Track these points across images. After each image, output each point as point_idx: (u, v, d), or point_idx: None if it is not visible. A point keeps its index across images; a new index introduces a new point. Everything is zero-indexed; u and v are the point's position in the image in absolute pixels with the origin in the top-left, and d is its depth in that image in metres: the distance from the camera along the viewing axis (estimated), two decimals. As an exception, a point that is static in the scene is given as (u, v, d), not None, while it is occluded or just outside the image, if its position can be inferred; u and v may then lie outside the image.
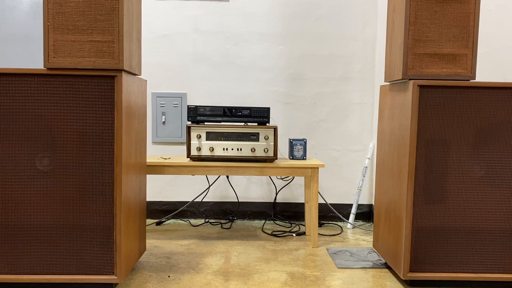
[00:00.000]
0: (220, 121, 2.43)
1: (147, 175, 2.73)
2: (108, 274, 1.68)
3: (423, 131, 1.72)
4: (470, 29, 1.69)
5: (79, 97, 1.64)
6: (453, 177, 1.74)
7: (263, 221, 2.88)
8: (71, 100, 1.64)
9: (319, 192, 2.46)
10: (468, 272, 1.77)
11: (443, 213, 1.75)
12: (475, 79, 1.73)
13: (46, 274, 1.67)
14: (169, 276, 1.91)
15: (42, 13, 1.60)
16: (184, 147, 2.87)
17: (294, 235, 2.60)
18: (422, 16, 1.70)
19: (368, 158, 2.88)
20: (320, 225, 2.83)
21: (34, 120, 1.64)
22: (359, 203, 2.89)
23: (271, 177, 2.89)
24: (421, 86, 1.70)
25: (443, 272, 1.77)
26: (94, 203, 1.67)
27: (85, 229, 1.67)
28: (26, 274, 1.67)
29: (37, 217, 1.66)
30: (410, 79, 1.72)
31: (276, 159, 2.40)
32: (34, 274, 1.67)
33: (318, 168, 2.36)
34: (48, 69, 1.63)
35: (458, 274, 1.76)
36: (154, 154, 2.88)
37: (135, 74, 1.85)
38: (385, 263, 2.10)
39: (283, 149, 2.81)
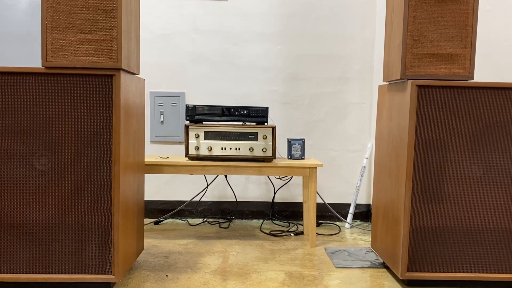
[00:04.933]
0: (218, 121, 2.43)
1: (145, 175, 2.73)
2: (106, 273, 1.68)
3: (421, 131, 1.72)
4: (468, 29, 1.70)
5: (77, 96, 1.64)
6: (451, 177, 1.75)
7: (261, 221, 2.88)
8: (69, 99, 1.64)
9: (317, 192, 2.46)
10: (466, 272, 1.77)
11: (441, 213, 1.76)
12: (473, 79, 1.73)
13: (44, 273, 1.67)
14: (167, 276, 1.91)
15: (40, 11, 1.59)
16: (182, 147, 2.87)
17: (292, 234, 2.60)
18: (420, 16, 1.70)
19: (366, 158, 2.88)
20: (318, 224, 2.83)
21: (32, 119, 1.64)
22: (357, 202, 2.89)
23: (269, 176, 2.89)
24: (419, 86, 1.71)
25: (440, 272, 1.77)
26: (92, 202, 1.66)
27: (83, 228, 1.67)
28: (24, 273, 1.66)
29: (35, 216, 1.66)
30: (408, 79, 1.72)
31: (275, 158, 2.40)
32: (32, 273, 1.66)
33: (316, 167, 2.36)
34: (46, 68, 1.62)
35: (455, 274, 1.77)
36: (152, 153, 2.88)
37: (133, 73, 1.85)
38: (383, 263, 2.10)
39: (282, 149, 2.82)
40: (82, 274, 1.67)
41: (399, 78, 1.75)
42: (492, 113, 1.73)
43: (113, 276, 1.67)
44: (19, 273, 1.66)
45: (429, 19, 1.70)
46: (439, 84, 1.71)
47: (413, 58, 1.72)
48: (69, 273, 1.67)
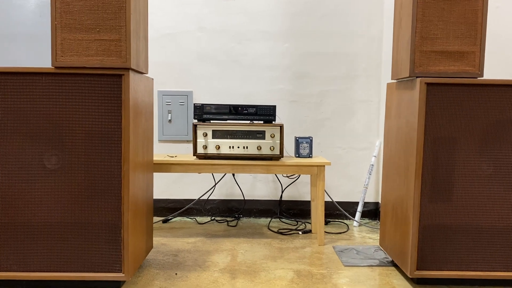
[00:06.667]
0: (226, 119, 2.43)
1: (154, 173, 2.74)
2: (115, 272, 1.69)
3: (430, 128, 1.72)
4: (478, 26, 1.69)
5: (86, 96, 1.65)
6: (460, 175, 1.74)
7: (269, 219, 2.89)
8: (78, 98, 1.65)
9: (325, 190, 2.45)
10: (475, 270, 1.76)
11: (450, 211, 1.75)
12: (482, 76, 1.72)
13: (55, 272, 1.68)
14: (176, 274, 1.92)
15: (49, 11, 1.60)
16: (190, 145, 2.88)
17: (300, 233, 2.60)
18: (429, 13, 1.69)
19: (375, 156, 2.87)
20: (326, 223, 2.82)
21: (42, 119, 1.65)
22: (365, 201, 2.88)
23: (277, 175, 2.89)
24: (428, 84, 1.70)
25: (450, 270, 1.76)
26: (102, 201, 1.68)
27: (93, 227, 1.68)
28: (34, 272, 1.68)
29: (45, 215, 1.67)
30: (417, 77, 1.71)
31: (282, 157, 2.40)
32: (43, 272, 1.68)
33: (324, 166, 2.36)
34: (56, 68, 1.63)
35: (465, 272, 1.76)
36: (160, 152, 2.89)
37: (142, 73, 1.85)
38: (392, 261, 2.10)
39: (289, 147, 2.82)
40: (92, 272, 1.69)
41: (407, 76, 1.74)
42: (502, 110, 1.72)
43: (123, 274, 1.69)
44: (29, 272, 1.68)
45: (438, 16, 1.69)
46: (448, 82, 1.70)
47: (422, 55, 1.71)
48: (79, 272, 1.68)
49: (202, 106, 2.41)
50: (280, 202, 2.93)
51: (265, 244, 2.37)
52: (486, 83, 1.70)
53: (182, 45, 2.88)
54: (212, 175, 2.84)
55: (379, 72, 2.90)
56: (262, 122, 2.44)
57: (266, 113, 2.42)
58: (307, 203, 2.92)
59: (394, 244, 1.96)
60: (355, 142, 2.93)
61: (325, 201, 2.61)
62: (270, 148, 2.37)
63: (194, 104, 2.42)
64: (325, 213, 2.76)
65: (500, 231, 1.75)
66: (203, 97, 2.88)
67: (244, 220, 2.88)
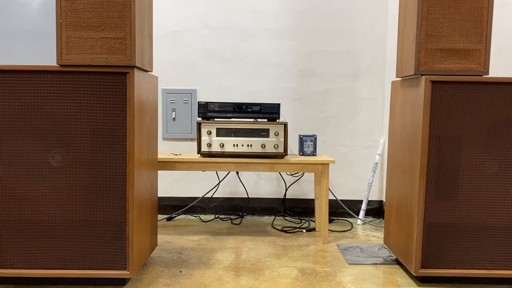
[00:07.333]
0: (230, 117, 2.43)
1: (158, 171, 2.75)
2: (120, 269, 1.70)
3: (435, 127, 1.71)
4: (483, 24, 1.68)
5: (91, 94, 1.65)
6: (465, 173, 1.73)
7: (273, 217, 2.89)
8: (83, 96, 1.65)
9: (329, 188, 2.45)
10: (480, 269, 1.76)
11: (455, 209, 1.74)
12: (488, 74, 1.71)
13: (60, 269, 1.69)
14: (180, 271, 1.92)
15: (53, 9, 1.61)
16: (194, 143, 2.88)
17: (304, 231, 2.60)
18: (435, 11, 1.68)
19: (379, 154, 2.87)
20: (330, 221, 2.82)
21: (47, 117, 1.65)
22: (369, 199, 2.88)
23: (280, 173, 2.89)
24: (433, 82, 1.69)
25: (454, 269, 1.76)
26: (107, 199, 1.68)
27: (98, 224, 1.69)
28: (39, 269, 1.69)
29: (50, 213, 1.68)
30: (422, 75, 1.71)
31: (286, 155, 2.40)
32: (48, 269, 1.69)
33: (328, 164, 2.35)
34: (61, 66, 1.64)
35: (469, 270, 1.76)
36: (164, 150, 2.89)
37: (146, 71, 1.86)
38: (396, 259, 2.09)
39: (293, 145, 2.81)
40: (97, 270, 1.69)
41: (412, 73, 1.74)
42: (507, 108, 1.71)
43: (128, 272, 1.69)
44: (35, 269, 1.69)
45: (443, 14, 1.68)
46: (453, 80, 1.69)
47: (427, 53, 1.70)
48: (84, 269, 1.69)
49: (206, 104, 2.41)
50: (284, 200, 2.93)
51: (269, 242, 2.37)
52: (491, 81, 1.69)
53: (187, 43, 2.88)
54: (216, 173, 2.85)
55: (383, 70, 2.89)
56: (266, 120, 2.44)
57: (270, 111, 2.42)
58: (311, 201, 2.92)
59: (398, 242, 1.96)
60: (359, 140, 2.92)
61: (329, 199, 2.61)
62: (274, 146, 2.37)
63: (198, 102, 2.42)
64: (329, 211, 2.77)
65: (505, 230, 1.75)
66: (207, 95, 2.88)
67: (248, 218, 2.88)
